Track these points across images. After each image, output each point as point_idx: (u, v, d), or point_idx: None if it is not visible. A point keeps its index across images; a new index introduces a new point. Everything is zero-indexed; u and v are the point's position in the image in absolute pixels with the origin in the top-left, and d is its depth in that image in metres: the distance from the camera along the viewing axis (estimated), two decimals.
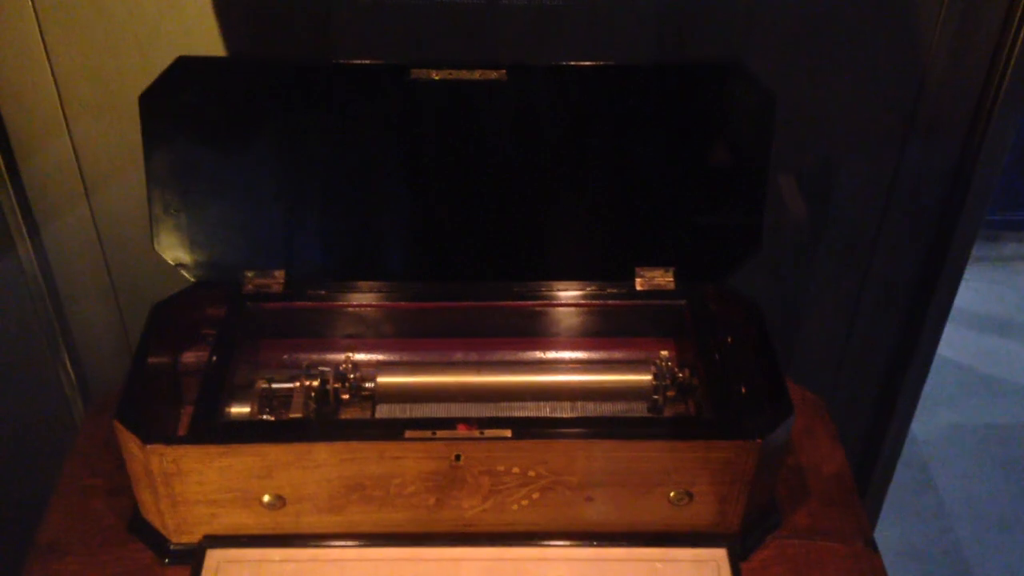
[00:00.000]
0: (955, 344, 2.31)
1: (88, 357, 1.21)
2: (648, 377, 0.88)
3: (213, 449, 0.75)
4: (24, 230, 1.09)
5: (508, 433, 0.77)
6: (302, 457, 0.76)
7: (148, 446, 0.74)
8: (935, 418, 2.13)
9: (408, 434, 0.76)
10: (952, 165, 1.06)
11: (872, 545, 0.85)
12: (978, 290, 2.54)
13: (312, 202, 0.91)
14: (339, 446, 0.76)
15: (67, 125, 1.02)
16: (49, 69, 0.98)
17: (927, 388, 1.40)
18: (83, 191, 1.06)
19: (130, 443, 0.76)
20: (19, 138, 1.03)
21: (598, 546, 0.81)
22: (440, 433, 0.77)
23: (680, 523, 0.82)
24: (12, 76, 0.98)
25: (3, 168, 1.03)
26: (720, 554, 0.82)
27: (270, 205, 0.90)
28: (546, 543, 0.81)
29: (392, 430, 0.77)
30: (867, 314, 1.19)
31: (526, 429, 0.77)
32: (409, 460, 0.77)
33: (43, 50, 0.97)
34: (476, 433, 0.77)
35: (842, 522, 0.86)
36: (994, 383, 2.23)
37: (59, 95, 1.00)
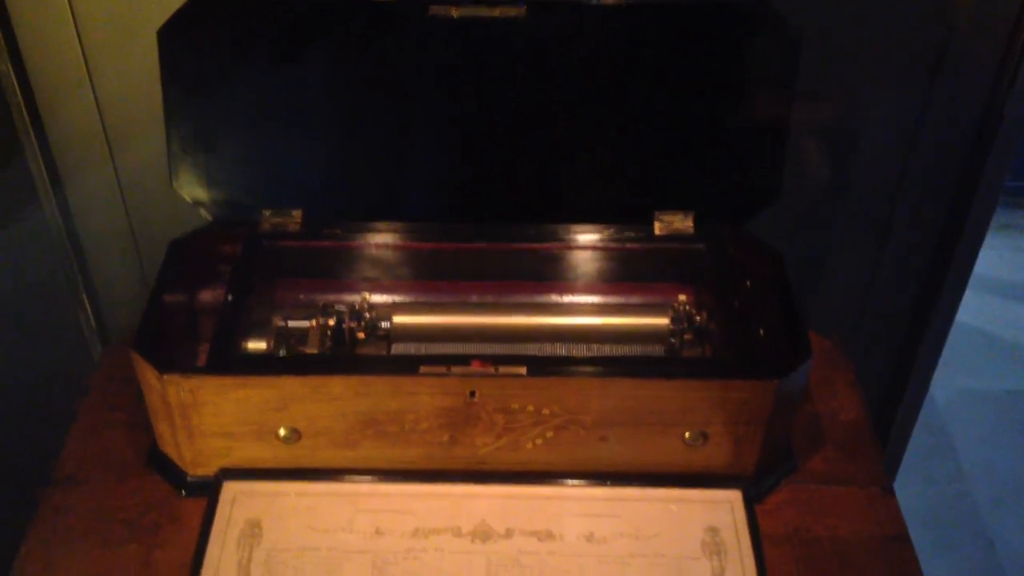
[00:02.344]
0: (977, 310, 2.29)
1: (108, 305, 1.22)
2: (665, 321, 0.87)
3: (229, 380, 0.76)
4: (46, 177, 1.09)
5: (523, 370, 0.77)
6: (317, 390, 0.76)
7: (165, 376, 0.75)
8: (955, 383, 2.11)
9: (423, 369, 0.76)
10: (979, 111, 1.04)
11: (888, 490, 0.84)
12: (1003, 257, 2.51)
13: (330, 141, 0.91)
14: (354, 380, 0.76)
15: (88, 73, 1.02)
16: (71, 14, 0.98)
17: (948, 353, 1.38)
18: (104, 138, 1.06)
19: (147, 373, 0.77)
20: (43, 89, 1.03)
21: (612, 486, 0.82)
22: (455, 369, 0.77)
23: (695, 464, 0.82)
24: (34, 24, 0.98)
25: (27, 118, 1.03)
26: (735, 495, 0.81)
27: (288, 143, 0.90)
28: (560, 482, 0.82)
29: (407, 365, 0.77)
30: (888, 270, 1.17)
31: (541, 367, 0.77)
32: (424, 396, 0.77)
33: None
34: (491, 370, 0.77)
35: (858, 468, 0.86)
36: (1016, 350, 2.20)
37: (80, 40, 1.00)
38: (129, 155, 1.08)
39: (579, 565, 0.76)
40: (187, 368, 0.75)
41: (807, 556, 0.79)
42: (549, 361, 0.78)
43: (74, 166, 1.09)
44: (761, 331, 0.81)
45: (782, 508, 0.82)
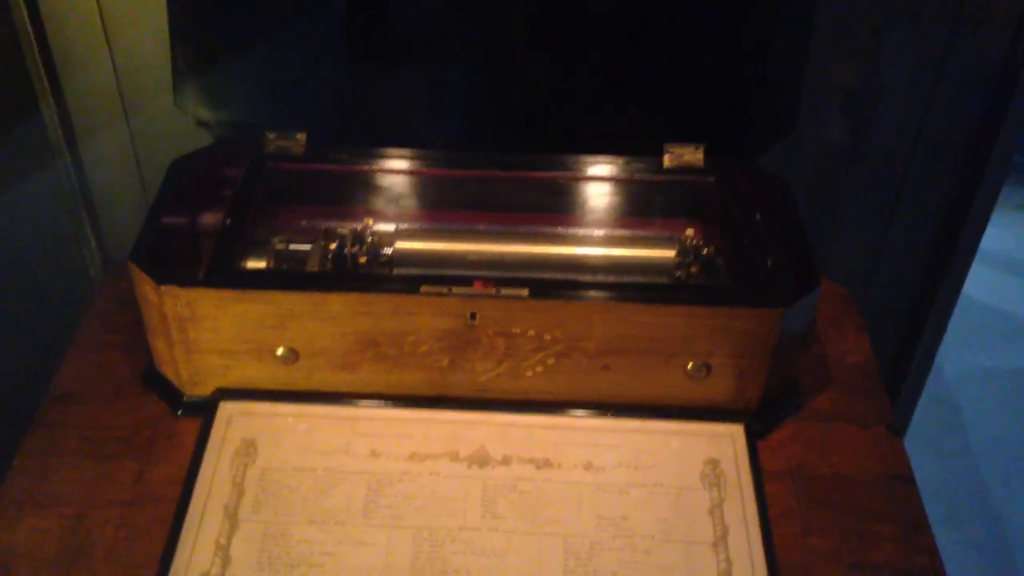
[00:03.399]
0: (992, 288, 2.27)
1: (111, 239, 1.21)
2: (671, 253, 0.86)
3: (228, 294, 0.74)
4: (49, 89, 1.09)
5: (525, 292, 0.75)
6: (316, 308, 0.75)
7: (163, 288, 0.74)
8: (967, 359, 2.09)
9: (424, 289, 0.75)
10: (999, 65, 1.01)
11: (893, 431, 0.83)
12: (1018, 236, 2.48)
13: (335, 65, 0.89)
14: (354, 298, 0.75)
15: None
16: None
17: (960, 330, 1.36)
18: (105, 39, 1.05)
19: (145, 285, 0.76)
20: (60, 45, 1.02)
21: (612, 416, 0.80)
22: (456, 289, 0.75)
23: (697, 397, 0.80)
24: None
25: (43, 72, 1.02)
26: (736, 430, 0.80)
27: (293, 65, 0.89)
28: (559, 412, 0.81)
29: (408, 285, 0.76)
30: (898, 237, 1.15)
31: (544, 289, 0.76)
32: (424, 316, 0.76)
33: None
34: (492, 291, 0.76)
35: (864, 408, 0.84)
36: None
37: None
38: (141, 116, 1.08)
39: (576, 493, 0.75)
40: (185, 279, 0.74)
41: (808, 492, 0.77)
42: (552, 284, 0.77)
43: (88, 125, 1.09)
44: (769, 263, 0.79)
45: (785, 445, 0.81)
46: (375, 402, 0.80)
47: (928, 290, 1.20)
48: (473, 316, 0.76)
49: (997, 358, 2.11)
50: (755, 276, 0.78)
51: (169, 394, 0.82)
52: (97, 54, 1.03)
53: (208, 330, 0.77)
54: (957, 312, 1.29)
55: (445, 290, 0.75)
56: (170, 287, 0.74)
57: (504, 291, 0.75)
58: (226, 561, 0.69)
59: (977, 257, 1.27)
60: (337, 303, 0.75)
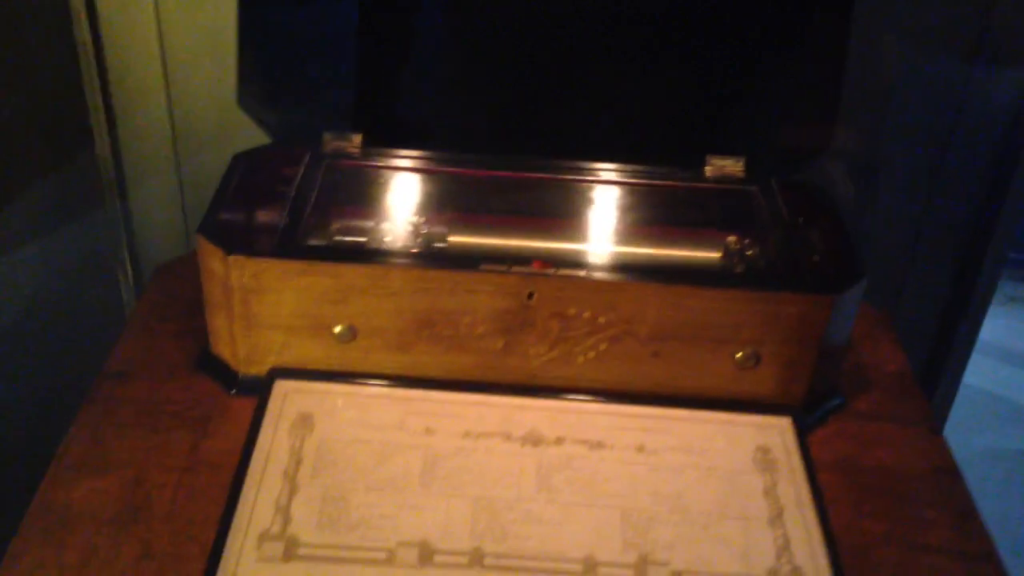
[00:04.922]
0: (989, 376, 2.32)
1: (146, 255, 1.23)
2: (716, 255, 0.89)
3: (294, 265, 0.76)
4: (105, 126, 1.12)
5: (582, 272, 0.78)
6: (377, 282, 0.77)
7: (231, 257, 0.76)
8: (969, 443, 2.11)
9: (484, 266, 0.77)
10: (1015, 102, 1.08)
11: (937, 431, 0.84)
12: (1010, 327, 2.55)
13: (391, 68, 0.94)
14: (415, 273, 0.77)
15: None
16: None
17: (961, 414, 1.39)
18: (164, 81, 1.10)
19: (212, 258, 0.78)
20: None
21: (661, 406, 0.82)
22: (515, 268, 0.78)
23: (744, 390, 0.82)
24: None
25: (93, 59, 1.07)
26: (784, 422, 0.81)
27: (351, 69, 0.93)
28: (609, 400, 0.82)
29: (468, 261, 0.78)
30: (928, 244, 1.19)
31: (600, 269, 0.78)
32: (482, 295, 0.78)
33: None
34: (551, 270, 0.78)
35: (904, 410, 0.86)
36: None
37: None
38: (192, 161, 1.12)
39: (630, 471, 0.76)
40: (254, 250, 0.76)
41: (857, 483, 0.78)
42: (609, 266, 0.79)
43: (140, 166, 1.13)
44: (815, 258, 0.82)
45: (830, 440, 0.82)
46: (428, 386, 0.81)
47: (929, 379, 1.24)
48: (531, 296, 0.78)
49: (1000, 440, 2.13)
50: (803, 268, 0.81)
51: (224, 374, 0.82)
52: (154, 96, 1.09)
53: (270, 304, 0.78)
54: (959, 399, 1.33)
55: (504, 267, 0.78)
56: (239, 257, 0.76)
57: (562, 271, 0.78)
58: (286, 520, 0.69)
59: (976, 347, 1.31)
60: (398, 278, 0.77)
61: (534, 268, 0.78)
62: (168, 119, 1.10)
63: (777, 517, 0.73)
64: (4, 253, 1.03)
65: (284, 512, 0.69)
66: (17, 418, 1.00)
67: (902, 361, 0.92)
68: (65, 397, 0.82)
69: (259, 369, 0.82)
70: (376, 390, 0.81)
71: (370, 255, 0.80)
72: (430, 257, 0.81)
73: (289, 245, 0.79)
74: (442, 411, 0.80)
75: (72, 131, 1.10)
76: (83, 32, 1.05)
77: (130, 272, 1.21)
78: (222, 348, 0.83)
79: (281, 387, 0.81)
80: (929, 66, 1.07)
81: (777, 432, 0.80)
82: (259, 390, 0.80)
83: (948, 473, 0.80)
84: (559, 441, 0.78)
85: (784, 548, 0.70)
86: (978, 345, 1.32)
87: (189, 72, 1.07)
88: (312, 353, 0.81)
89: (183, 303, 0.91)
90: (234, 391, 0.81)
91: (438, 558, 0.67)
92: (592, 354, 0.81)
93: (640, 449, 0.78)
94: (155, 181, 1.16)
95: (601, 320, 0.79)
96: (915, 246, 1.19)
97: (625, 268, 0.81)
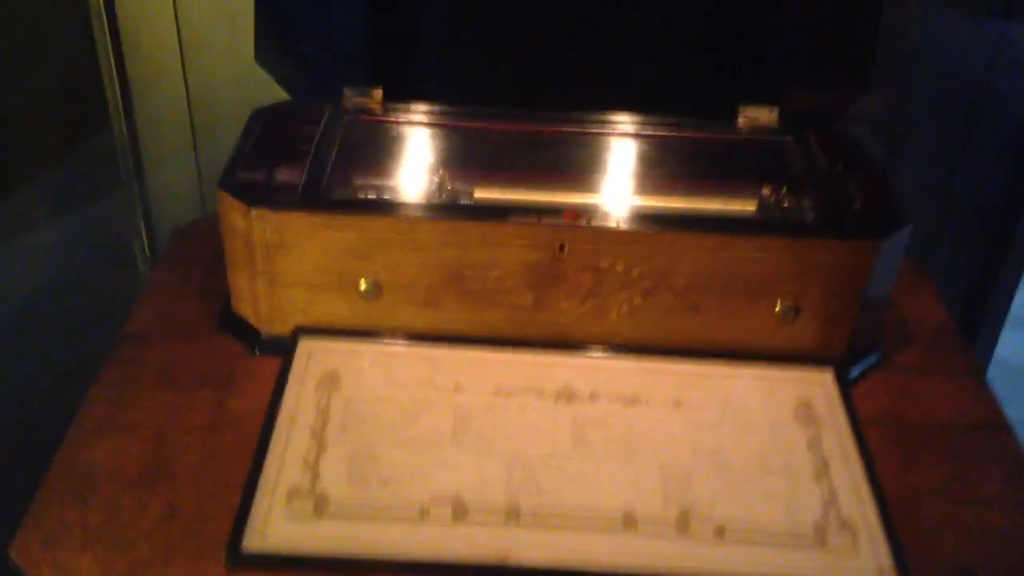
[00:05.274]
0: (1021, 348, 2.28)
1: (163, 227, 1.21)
2: (751, 207, 0.86)
3: (318, 218, 0.74)
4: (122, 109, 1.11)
5: (615, 223, 0.75)
6: (405, 236, 0.74)
7: (254, 210, 0.73)
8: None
9: (513, 218, 0.75)
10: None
11: (983, 382, 0.81)
12: None
13: (412, 21, 0.91)
14: (443, 226, 0.75)
15: None
16: None
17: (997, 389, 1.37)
18: (181, 63, 1.08)
19: (233, 212, 0.75)
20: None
21: (698, 361, 0.79)
22: (546, 219, 0.75)
23: (784, 343, 0.79)
24: None
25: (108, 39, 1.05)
26: (826, 375, 0.78)
27: (370, 23, 0.90)
28: (644, 356, 0.79)
29: (497, 213, 0.75)
30: (959, 209, 1.15)
31: (634, 220, 0.76)
32: (512, 248, 0.75)
33: None
34: (582, 221, 0.75)
35: (950, 363, 0.83)
36: None
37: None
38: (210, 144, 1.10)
39: (668, 427, 0.73)
40: (277, 203, 0.74)
41: (903, 437, 0.75)
42: (642, 218, 0.76)
43: (157, 149, 1.12)
44: (856, 204, 0.79)
45: (872, 394, 0.79)
46: (456, 343, 0.79)
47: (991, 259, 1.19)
48: (562, 248, 0.75)
49: None
50: (844, 215, 0.78)
51: (246, 333, 0.80)
52: (171, 75, 1.07)
53: (294, 259, 0.76)
54: (990, 372, 1.29)
55: (534, 219, 0.75)
56: (261, 210, 0.73)
57: (594, 222, 0.75)
58: (316, 477, 0.67)
59: (1007, 320, 1.28)
60: (426, 231, 0.75)
61: (565, 219, 0.75)
62: (185, 98, 1.09)
63: (822, 471, 0.70)
64: (23, 235, 1.02)
65: (313, 469, 0.67)
66: (37, 397, 0.99)
67: (944, 315, 0.89)
68: (86, 371, 0.81)
69: (283, 328, 0.79)
70: (403, 348, 0.79)
71: (396, 208, 0.77)
72: (458, 209, 0.79)
73: (313, 198, 0.76)
74: (471, 368, 0.78)
75: (89, 113, 1.09)
76: (99, 12, 1.03)
77: (147, 248, 1.20)
78: (244, 307, 0.81)
79: (306, 345, 0.78)
80: (958, 24, 1.03)
81: (819, 385, 0.78)
82: (283, 349, 0.78)
83: (998, 426, 0.77)
84: (593, 397, 0.76)
85: (831, 502, 0.67)
86: (1009, 318, 1.29)
87: (206, 50, 1.06)
88: (337, 311, 0.79)
89: (202, 265, 0.89)
90: (257, 351, 0.79)
91: (472, 514, 0.65)
92: (626, 308, 0.78)
93: (677, 404, 0.75)
94: (173, 161, 1.14)
95: (635, 273, 0.76)
96: (945, 212, 1.15)
97: (659, 220, 0.78)
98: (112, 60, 1.06)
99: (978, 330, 1.17)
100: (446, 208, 0.80)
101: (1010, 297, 1.23)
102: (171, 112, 1.11)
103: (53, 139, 1.07)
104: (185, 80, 1.09)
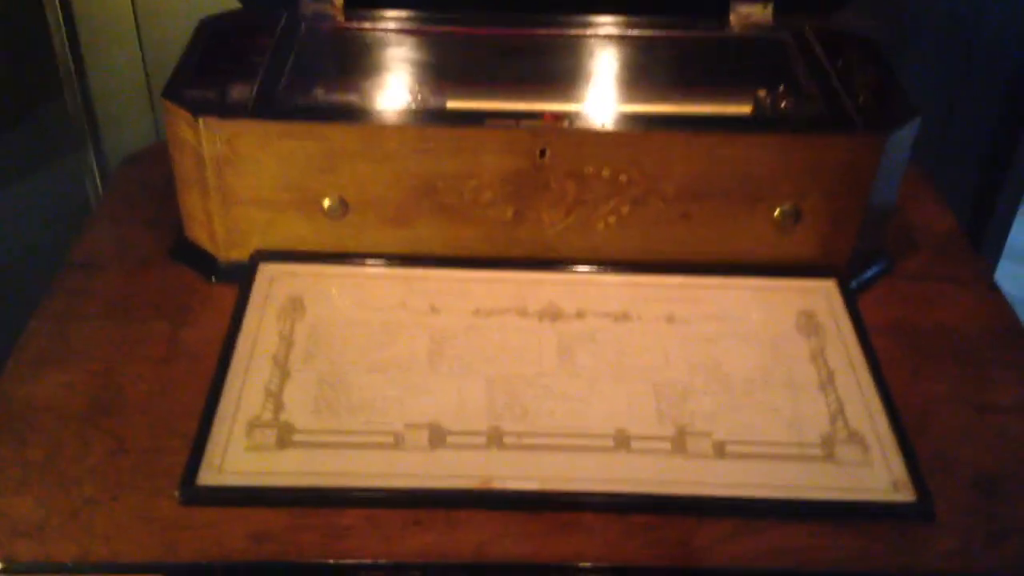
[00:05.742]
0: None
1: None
2: (747, 109, 0.80)
3: (273, 127, 0.67)
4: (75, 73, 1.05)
5: (600, 124, 0.69)
6: (370, 144, 0.68)
7: (201, 120, 0.66)
8: None
9: (490, 122, 0.68)
10: None
11: (995, 288, 0.76)
12: None
13: None
14: (412, 132, 0.68)
15: None
16: None
17: None
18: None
19: (180, 124, 0.68)
20: None
21: (691, 275, 0.73)
22: (525, 122, 0.69)
23: (783, 252, 0.73)
24: None
25: None
26: (829, 284, 0.73)
27: None
28: (634, 271, 0.73)
29: (472, 119, 0.69)
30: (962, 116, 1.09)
31: (621, 121, 0.69)
32: (489, 155, 0.69)
33: None
34: (564, 123, 0.69)
35: (959, 269, 0.78)
36: None
37: None
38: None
39: (661, 344, 0.68)
40: (227, 111, 0.67)
41: (913, 345, 0.70)
42: (629, 117, 0.70)
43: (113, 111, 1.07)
44: (860, 98, 0.73)
45: (880, 303, 0.74)
46: (431, 264, 0.73)
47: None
48: (543, 153, 0.69)
49: None
50: (848, 111, 0.72)
51: (201, 260, 0.74)
52: (127, 42, 1.02)
53: (249, 174, 0.69)
54: None
55: (513, 123, 0.69)
56: (210, 119, 0.67)
57: (577, 124, 0.69)
58: (279, 407, 0.61)
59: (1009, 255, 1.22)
60: (393, 139, 0.68)
61: (545, 122, 0.69)
62: (141, 61, 1.03)
63: (827, 382, 0.65)
64: None
65: (275, 399, 0.62)
66: None
67: (950, 220, 0.84)
68: None
69: (241, 253, 0.73)
70: (373, 270, 0.73)
71: (359, 114, 0.71)
72: (428, 114, 0.72)
73: (266, 105, 0.70)
74: (448, 289, 0.72)
75: (42, 80, 1.04)
76: None
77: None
78: (198, 232, 0.74)
79: (266, 271, 0.72)
80: None
81: (821, 295, 0.72)
82: (242, 276, 0.72)
83: (1012, 331, 0.72)
84: (580, 315, 0.70)
85: (838, 413, 0.62)
86: (1006, 251, 1.24)
87: (160, 13, 1.00)
88: (299, 232, 0.72)
89: (155, 192, 0.82)
90: (214, 279, 0.73)
91: (451, 439, 0.60)
92: (613, 219, 0.72)
93: (670, 320, 0.70)
94: (130, 125, 1.08)
95: (622, 179, 0.70)
96: (948, 119, 1.09)
97: (647, 120, 0.72)
98: (63, 27, 1.00)
99: (981, 240, 1.12)
100: (415, 113, 0.74)
101: (1006, 230, 1.18)
102: (127, 75, 1.05)
103: (4, 108, 1.02)
104: (140, 43, 1.03)
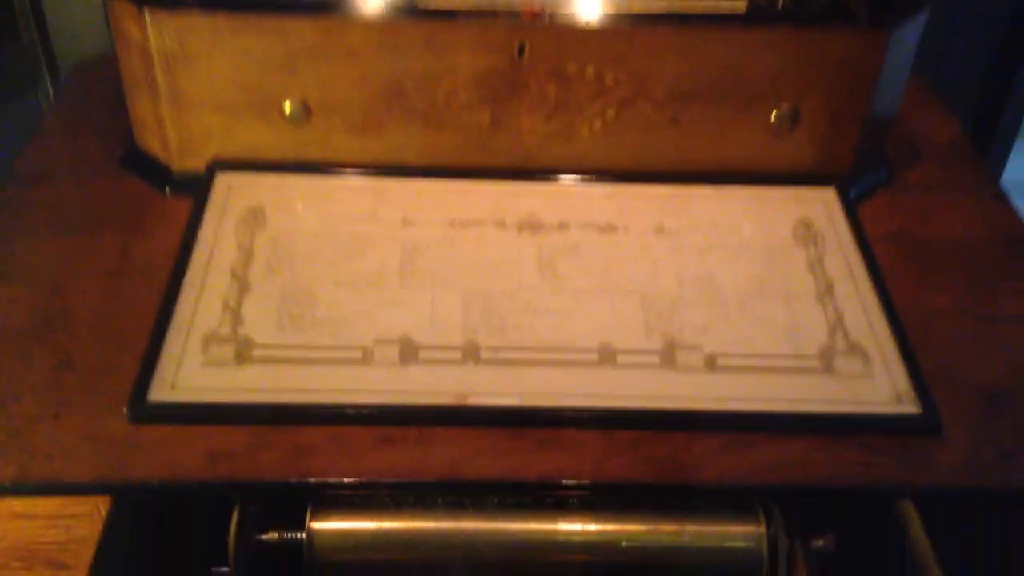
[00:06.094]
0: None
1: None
2: (742, 3, 0.74)
3: (225, 21, 0.61)
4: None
5: (584, 18, 0.64)
6: (332, 41, 0.62)
7: (148, 12, 0.61)
8: None
9: (463, 16, 0.63)
10: None
11: (1000, 196, 0.72)
12: None
13: None
14: (378, 27, 0.62)
15: None
16: None
17: None
18: None
19: (125, 19, 0.62)
20: None
21: (682, 184, 0.69)
22: (501, 16, 0.63)
23: (780, 160, 0.69)
24: None
25: None
26: (827, 193, 0.69)
27: None
28: (621, 181, 0.69)
29: (444, 14, 0.63)
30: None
31: (606, 15, 0.64)
32: (462, 54, 0.63)
33: None
34: (545, 17, 0.64)
35: (964, 178, 0.74)
36: None
37: None
38: None
39: (649, 255, 0.64)
40: (174, 2, 0.61)
41: (917, 256, 0.66)
42: (615, 11, 0.64)
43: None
44: None
45: (881, 213, 0.70)
46: (404, 172, 0.68)
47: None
48: (521, 50, 0.63)
49: None
50: (849, 3, 0.67)
51: (155, 170, 0.69)
52: None
53: (202, 74, 0.64)
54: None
55: (488, 16, 0.63)
56: (157, 12, 0.61)
57: (559, 18, 0.64)
58: (237, 320, 0.57)
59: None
60: (359, 35, 0.63)
61: (524, 16, 0.64)
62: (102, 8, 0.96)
63: (826, 293, 0.61)
64: None
65: (234, 313, 0.57)
66: None
67: (955, 127, 0.79)
68: None
69: (196, 162, 0.68)
70: (341, 180, 0.68)
71: (320, 6, 0.65)
72: (397, 8, 0.67)
73: None
74: (421, 200, 0.67)
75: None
76: None
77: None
78: (150, 139, 0.69)
79: (224, 180, 0.67)
80: None
81: (820, 203, 0.68)
82: (198, 187, 0.67)
83: (1020, 240, 0.68)
84: (563, 226, 0.66)
85: (837, 324, 0.59)
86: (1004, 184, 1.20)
87: None
88: (260, 139, 0.67)
89: (107, 101, 0.76)
90: (168, 190, 0.68)
91: (424, 354, 0.56)
92: (598, 124, 0.67)
93: (659, 231, 0.66)
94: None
95: (608, 79, 0.65)
96: (951, 26, 1.03)
97: (634, 15, 0.67)
98: None
99: (985, 154, 1.07)
100: (380, 6, 0.68)
101: (1019, 119, 1.12)
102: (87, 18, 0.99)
103: None
104: None
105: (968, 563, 0.50)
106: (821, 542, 0.50)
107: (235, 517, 0.48)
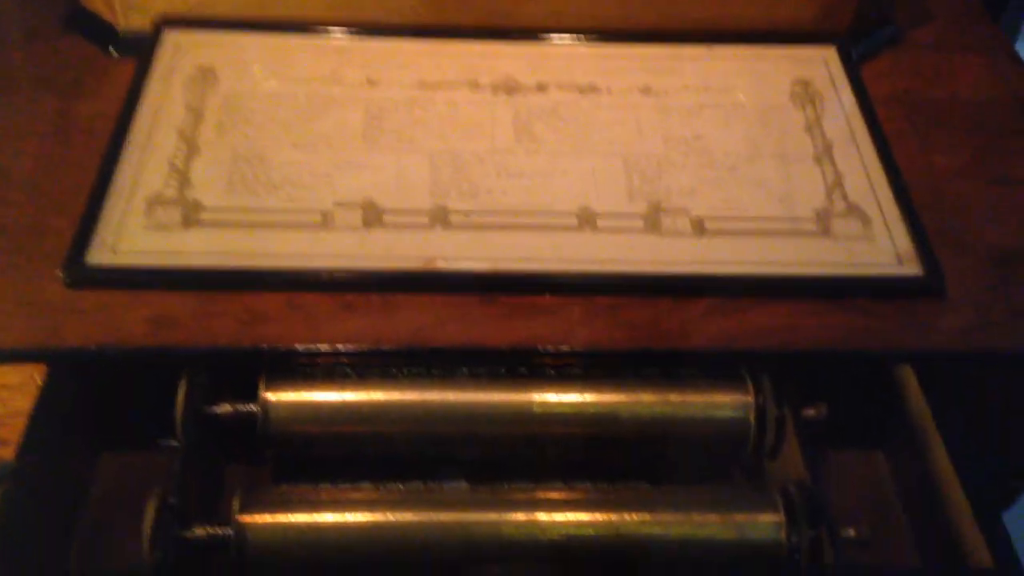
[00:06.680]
0: None
1: None
2: None
3: None
4: None
5: None
6: None
7: None
8: None
9: None
10: None
11: (1016, 58, 0.67)
12: None
13: None
14: None
15: None
16: None
17: None
18: None
19: None
20: None
21: (673, 43, 0.64)
22: None
23: (777, 17, 0.63)
24: None
25: None
26: (828, 52, 0.64)
27: None
28: (606, 41, 0.64)
29: None
30: None
31: None
32: None
33: None
34: None
35: (975, 38, 0.68)
36: None
37: None
38: None
39: (634, 116, 0.59)
40: None
41: (923, 117, 0.61)
42: None
43: None
44: None
45: (886, 73, 0.65)
46: (368, 31, 0.63)
47: None
48: None
49: None
50: None
51: (98, 30, 0.63)
52: None
53: None
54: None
55: None
56: None
57: None
58: (185, 183, 0.52)
59: None
60: None
61: None
62: None
63: (824, 154, 0.57)
64: None
65: (181, 174, 0.53)
66: None
67: None
68: None
69: (142, 20, 0.62)
70: (299, 39, 0.62)
71: None
72: None
73: None
74: (387, 61, 0.61)
75: None
76: None
77: None
78: None
79: (172, 38, 0.61)
80: None
81: (819, 63, 0.63)
82: (145, 47, 0.62)
83: None
84: (541, 88, 0.61)
85: (835, 186, 0.54)
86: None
87: None
88: None
89: None
90: (112, 49, 0.62)
91: (389, 218, 0.51)
92: None
93: (645, 91, 0.61)
94: None
95: None
96: None
97: None
98: None
99: (1000, 14, 1.01)
100: None
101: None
102: None
103: None
104: None
105: (969, 432, 0.47)
106: (813, 411, 0.47)
107: (182, 387, 0.45)
